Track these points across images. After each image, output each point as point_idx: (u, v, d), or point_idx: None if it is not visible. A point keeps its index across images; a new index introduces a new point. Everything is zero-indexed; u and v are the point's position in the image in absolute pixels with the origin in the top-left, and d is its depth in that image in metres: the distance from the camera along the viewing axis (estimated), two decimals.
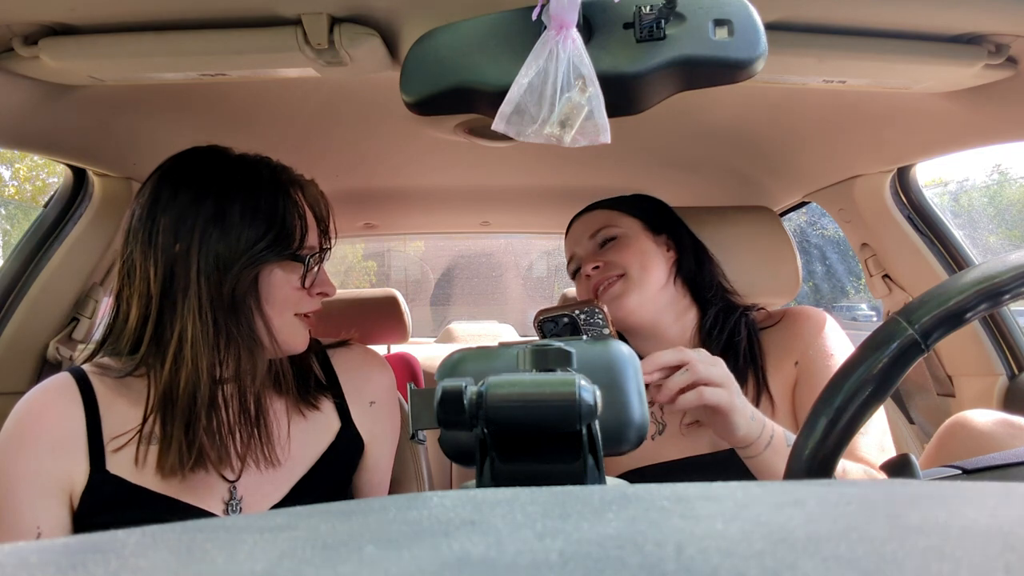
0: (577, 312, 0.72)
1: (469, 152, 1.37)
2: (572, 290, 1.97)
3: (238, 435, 0.78)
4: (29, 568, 0.16)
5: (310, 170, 0.87)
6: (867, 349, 0.47)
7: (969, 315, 0.45)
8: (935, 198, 1.36)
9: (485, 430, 0.32)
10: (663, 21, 0.55)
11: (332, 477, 0.87)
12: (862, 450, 0.87)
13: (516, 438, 0.33)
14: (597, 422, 0.33)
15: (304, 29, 0.75)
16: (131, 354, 0.77)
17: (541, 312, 0.68)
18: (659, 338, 1.02)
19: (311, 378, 0.89)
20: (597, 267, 1.01)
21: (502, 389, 0.31)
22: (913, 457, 0.50)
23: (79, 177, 1.23)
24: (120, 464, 0.75)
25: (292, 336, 0.81)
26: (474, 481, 0.34)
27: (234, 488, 0.79)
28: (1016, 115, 0.95)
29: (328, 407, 0.89)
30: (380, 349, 1.95)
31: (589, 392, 0.31)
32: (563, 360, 0.35)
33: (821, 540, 0.17)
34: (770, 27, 0.59)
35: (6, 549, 0.18)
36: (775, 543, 0.17)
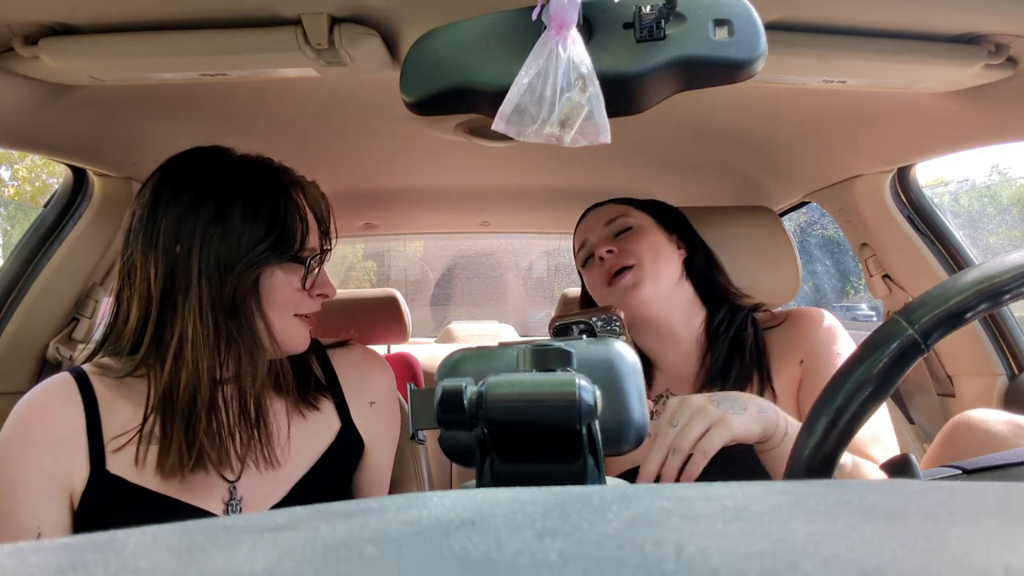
0: (594, 319, 0.72)
1: (469, 152, 1.37)
2: (572, 290, 1.97)
3: (238, 436, 0.78)
4: (29, 568, 0.16)
5: (310, 170, 0.87)
6: (867, 349, 0.47)
7: (969, 315, 0.45)
8: (935, 198, 1.36)
9: (485, 430, 0.32)
10: (663, 21, 0.55)
11: (332, 477, 0.87)
12: (866, 447, 0.87)
13: (516, 438, 0.33)
14: (597, 422, 0.33)
15: (304, 29, 0.75)
16: (131, 354, 0.77)
17: (556, 318, 0.68)
18: (671, 337, 1.03)
19: (311, 378, 0.89)
20: (611, 251, 1.01)
21: (502, 389, 0.31)
22: (913, 457, 0.50)
23: (79, 177, 1.23)
24: (120, 464, 0.75)
25: (292, 337, 0.81)
26: (474, 481, 0.34)
27: (234, 488, 0.79)
28: (1016, 115, 0.95)
29: (328, 407, 0.89)
30: (380, 349, 1.95)
31: (589, 392, 0.31)
32: (563, 360, 0.35)
33: (821, 540, 0.17)
34: (770, 27, 0.59)
35: (6, 549, 0.18)
36: (775, 543, 0.17)
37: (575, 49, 0.54)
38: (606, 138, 0.55)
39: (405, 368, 1.99)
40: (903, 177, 1.34)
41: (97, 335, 0.85)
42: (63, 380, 0.78)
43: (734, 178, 1.58)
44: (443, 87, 0.60)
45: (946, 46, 0.82)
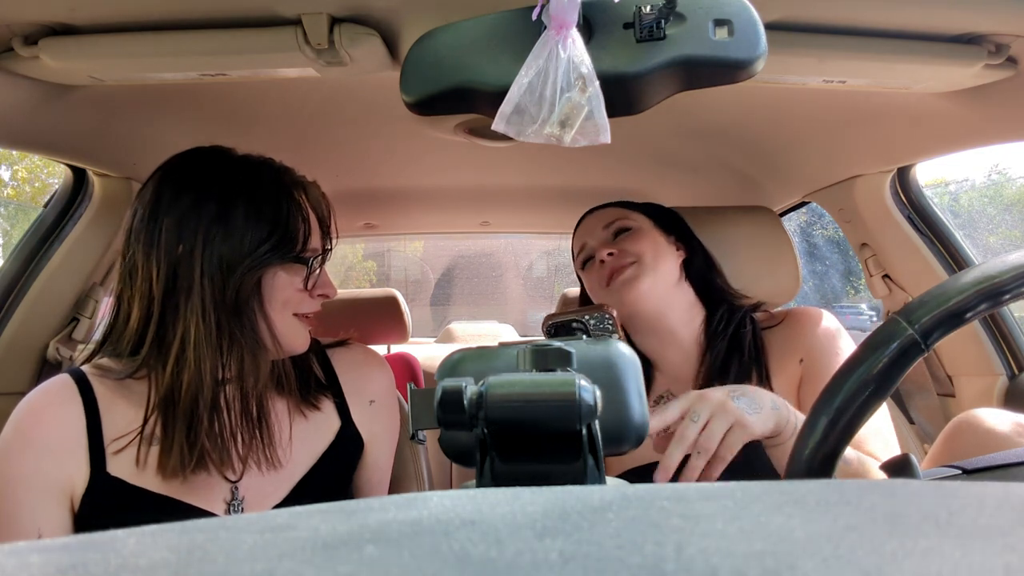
0: (587, 317, 0.72)
1: (469, 152, 1.37)
2: (572, 290, 1.97)
3: (240, 437, 0.78)
4: (29, 568, 0.16)
5: (310, 170, 0.87)
6: (867, 349, 0.47)
7: (969, 315, 0.45)
8: (935, 198, 1.36)
9: (485, 430, 0.32)
10: (663, 21, 0.55)
11: (333, 477, 0.87)
12: (865, 441, 0.87)
13: (516, 438, 0.33)
14: (597, 422, 0.33)
15: (304, 29, 0.75)
16: (132, 355, 0.77)
17: (549, 317, 0.68)
18: (671, 338, 1.03)
19: (311, 378, 0.89)
20: (612, 253, 1.01)
21: (502, 389, 0.31)
22: (913, 457, 0.50)
23: (79, 177, 1.23)
24: (121, 466, 0.75)
25: (294, 337, 0.81)
26: (474, 481, 0.34)
27: (235, 489, 0.79)
28: (1016, 115, 0.95)
29: (328, 407, 0.89)
30: (380, 349, 1.95)
31: (589, 392, 0.31)
32: (563, 360, 0.35)
33: (821, 540, 0.17)
34: (770, 27, 0.59)
35: (6, 549, 0.18)
36: (775, 543, 0.17)
37: (575, 49, 0.54)
38: (606, 138, 0.55)
39: (405, 368, 1.99)
40: (903, 177, 1.34)
41: (97, 335, 0.84)
42: (62, 382, 0.78)
43: (734, 178, 1.58)
44: (443, 87, 0.60)
45: (946, 46, 0.82)
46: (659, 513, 0.19)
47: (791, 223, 1.82)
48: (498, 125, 0.56)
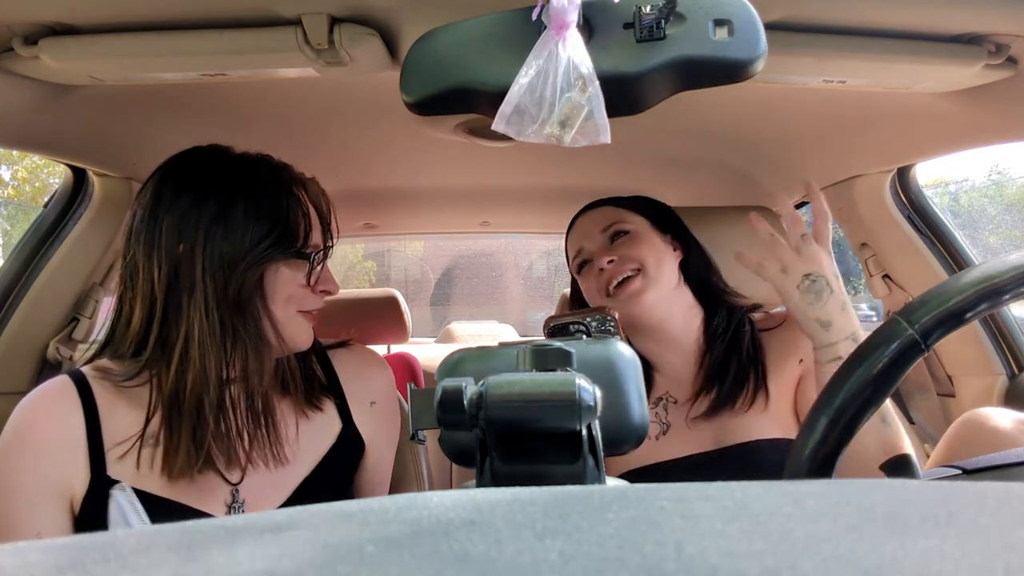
0: (588, 319, 0.72)
1: (469, 152, 1.37)
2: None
3: (246, 435, 0.77)
4: (29, 568, 0.16)
5: (310, 170, 0.87)
6: (867, 349, 0.47)
7: (969, 315, 0.45)
8: (935, 198, 1.36)
9: (485, 430, 0.32)
10: (663, 21, 0.55)
11: (334, 478, 0.87)
12: None
13: (516, 438, 0.33)
14: (597, 422, 0.33)
15: (304, 29, 0.75)
16: (135, 357, 0.77)
17: (551, 319, 0.68)
18: (671, 341, 1.02)
19: (314, 379, 0.89)
20: (612, 260, 1.00)
21: (502, 389, 0.31)
22: (913, 457, 0.50)
23: (79, 177, 1.23)
24: (121, 468, 0.75)
25: (297, 333, 0.81)
26: (474, 481, 0.34)
27: (236, 491, 0.79)
28: (1016, 115, 0.95)
29: (329, 408, 0.89)
30: (380, 349, 1.95)
31: (589, 392, 0.31)
32: (563, 360, 0.35)
33: (821, 540, 0.17)
34: (770, 27, 0.59)
35: (6, 549, 0.18)
36: (775, 543, 0.17)
37: (575, 49, 0.54)
38: (606, 138, 0.55)
39: (405, 368, 1.99)
40: (903, 177, 1.34)
41: (98, 336, 0.84)
42: (62, 384, 0.77)
43: (734, 178, 1.58)
44: (443, 87, 0.60)
45: (946, 46, 0.82)
46: (659, 513, 0.19)
47: None
48: (498, 125, 0.56)
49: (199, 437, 0.73)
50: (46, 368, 1.26)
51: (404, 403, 1.01)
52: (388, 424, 0.95)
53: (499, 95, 0.56)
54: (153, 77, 0.84)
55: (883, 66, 0.83)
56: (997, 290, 0.45)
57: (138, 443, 0.75)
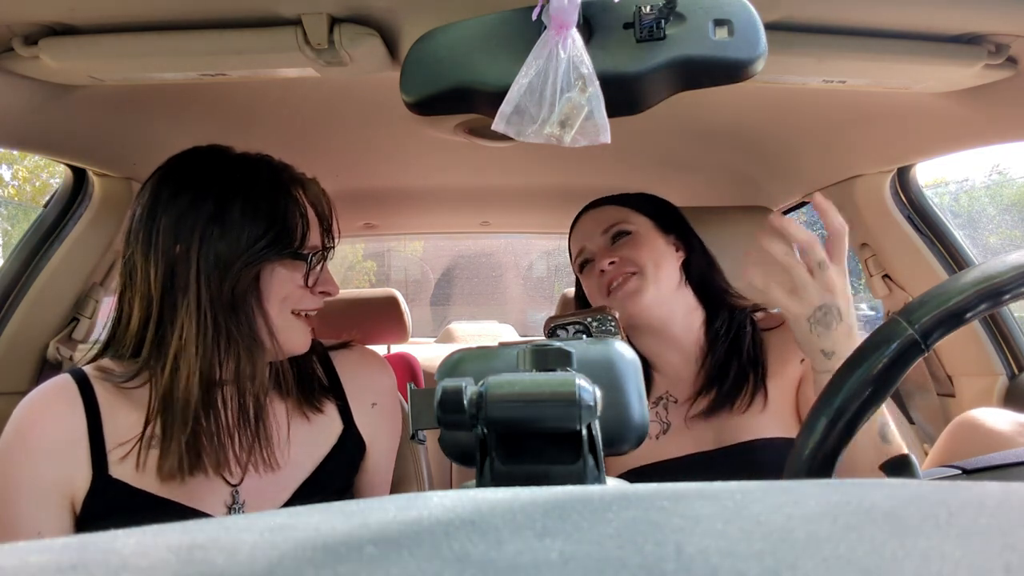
0: (589, 320, 0.72)
1: (469, 152, 1.37)
2: (572, 290, 1.97)
3: (237, 438, 0.77)
4: (29, 568, 0.16)
5: (310, 170, 0.87)
6: (867, 349, 0.47)
7: (969, 315, 0.45)
8: (935, 198, 1.36)
9: (485, 430, 0.32)
10: (663, 21, 0.55)
11: (334, 480, 0.87)
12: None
13: (516, 438, 0.33)
14: (597, 422, 0.33)
15: (304, 29, 0.75)
16: (133, 357, 0.77)
17: (551, 320, 0.68)
18: (672, 341, 1.02)
19: (314, 380, 0.89)
20: (613, 262, 1.00)
21: (502, 389, 0.31)
22: (913, 457, 0.50)
23: (79, 177, 1.23)
24: (123, 468, 0.75)
25: (294, 336, 0.81)
26: (474, 481, 0.34)
27: (236, 492, 0.79)
28: (1016, 115, 0.95)
29: (331, 409, 0.89)
30: (380, 349, 1.95)
31: (589, 392, 0.31)
32: (563, 360, 0.35)
33: (821, 540, 0.17)
34: (770, 27, 0.59)
35: (6, 549, 0.18)
36: (775, 543, 0.17)
37: (575, 49, 0.54)
38: (606, 138, 0.55)
39: (405, 368, 1.99)
40: (903, 177, 1.34)
41: (99, 336, 0.84)
42: (63, 383, 0.77)
43: (734, 178, 1.58)
44: (443, 87, 0.60)
45: (946, 46, 0.82)
46: (659, 513, 0.19)
47: None
48: (498, 125, 0.56)
49: (191, 438, 0.73)
50: (46, 368, 1.26)
51: (404, 403, 1.01)
52: (389, 425, 0.95)
53: (499, 95, 0.56)
54: (153, 77, 0.84)
55: (883, 66, 0.83)
56: (997, 290, 0.45)
57: (139, 444, 0.75)
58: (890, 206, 1.35)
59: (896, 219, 1.35)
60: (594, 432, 0.33)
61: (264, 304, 0.77)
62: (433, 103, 0.61)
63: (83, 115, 0.99)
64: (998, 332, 1.33)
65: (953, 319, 0.45)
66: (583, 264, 1.08)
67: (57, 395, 0.76)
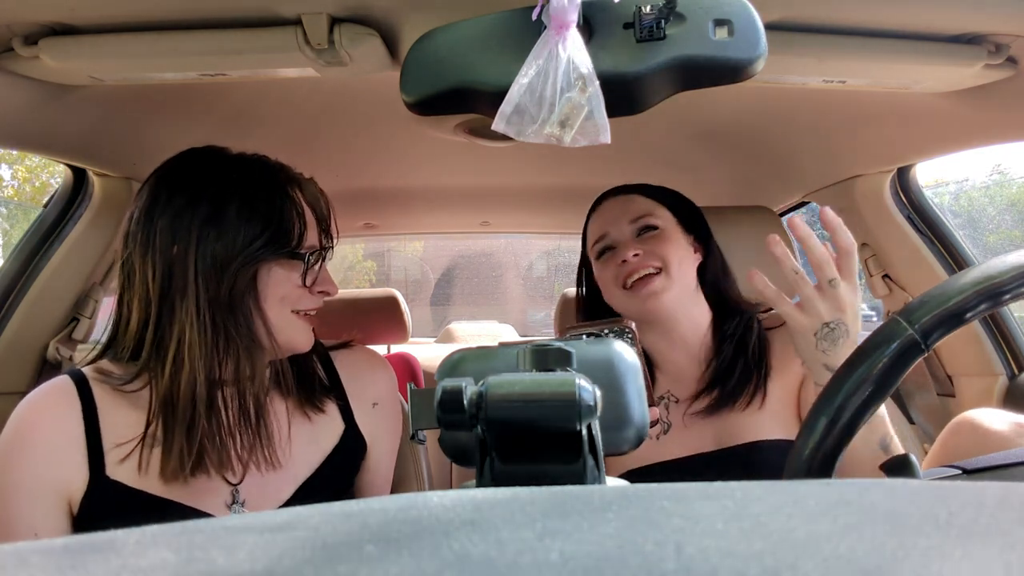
0: (606, 331, 0.72)
1: (469, 152, 1.37)
2: (572, 290, 1.96)
3: (238, 437, 0.77)
4: (29, 568, 0.16)
5: (310, 170, 0.87)
6: (867, 349, 0.47)
7: (969, 315, 0.45)
8: (935, 198, 1.36)
9: (485, 430, 0.32)
10: (663, 21, 0.55)
11: (335, 480, 0.87)
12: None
13: (516, 438, 0.33)
14: (597, 422, 0.33)
15: (304, 29, 0.75)
16: (132, 360, 0.77)
17: (568, 328, 0.68)
18: (680, 341, 1.01)
19: (316, 380, 0.89)
20: (637, 255, 0.98)
21: (502, 389, 0.31)
22: (913, 457, 0.50)
23: (79, 177, 1.23)
24: (120, 469, 0.75)
25: (294, 335, 0.81)
26: (474, 481, 0.34)
27: (237, 491, 0.79)
28: (1016, 115, 0.95)
29: (332, 409, 0.89)
30: (380, 349, 1.95)
31: (589, 392, 0.31)
32: (563, 360, 0.35)
33: (821, 540, 0.17)
34: (770, 27, 0.59)
35: (6, 549, 0.18)
36: (775, 543, 0.17)
37: (575, 49, 0.54)
38: (606, 138, 0.56)
39: (405, 368, 1.99)
40: (903, 177, 1.34)
41: (99, 336, 0.84)
42: (62, 384, 0.78)
43: (734, 178, 1.58)
44: (443, 87, 0.60)
45: (946, 46, 0.82)
46: (659, 513, 0.19)
47: None
48: (498, 125, 0.56)
49: (192, 439, 0.73)
50: (46, 368, 1.26)
51: (405, 403, 1.01)
52: (390, 425, 0.95)
53: (499, 95, 0.56)
54: (153, 77, 0.84)
55: (883, 66, 0.83)
56: (997, 290, 0.45)
57: (139, 445, 0.75)
58: (890, 206, 1.35)
59: (896, 219, 1.35)
60: (594, 432, 0.33)
61: (262, 304, 0.77)
62: (433, 103, 0.61)
63: (83, 115, 0.99)
64: (998, 332, 1.33)
65: (953, 319, 0.45)
66: (603, 251, 1.04)
67: (55, 396, 0.76)
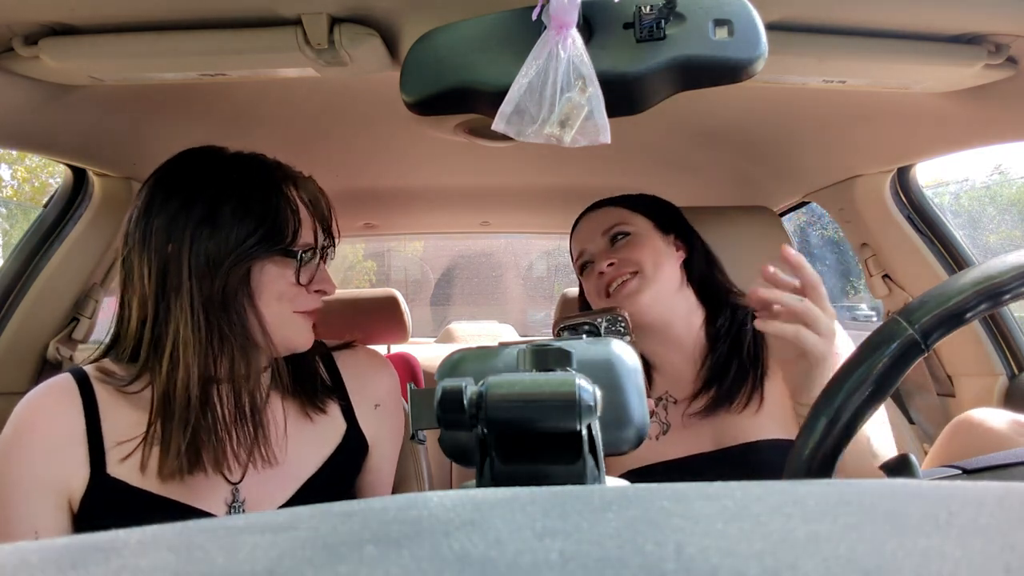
0: (599, 320, 0.72)
1: (469, 152, 1.37)
2: (572, 290, 1.97)
3: (234, 434, 0.77)
4: (29, 568, 0.16)
5: (310, 170, 0.87)
6: (867, 349, 0.47)
7: (969, 315, 0.45)
8: (935, 198, 1.36)
9: (485, 430, 0.32)
10: (663, 21, 0.55)
11: (337, 480, 0.87)
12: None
13: (516, 438, 0.33)
14: (597, 422, 0.33)
15: (304, 29, 0.75)
16: (132, 360, 0.77)
17: (561, 319, 0.68)
18: (673, 341, 1.02)
19: (318, 380, 0.89)
20: (611, 264, 1.00)
21: (502, 389, 0.31)
22: (913, 457, 0.50)
23: (79, 177, 1.23)
24: (121, 467, 0.75)
25: (291, 334, 0.81)
26: (474, 481, 0.34)
27: (237, 491, 0.79)
28: (1016, 115, 0.95)
29: (334, 409, 0.89)
30: (380, 349, 1.95)
31: (589, 392, 0.31)
32: (563, 360, 0.35)
33: (821, 540, 0.17)
34: (770, 27, 0.59)
35: (6, 549, 0.18)
36: (775, 543, 0.17)
37: (575, 49, 0.54)
38: (606, 138, 0.56)
39: (405, 368, 1.99)
40: (903, 177, 1.34)
41: (99, 336, 0.84)
42: (63, 382, 0.78)
43: (734, 178, 1.58)
44: (443, 87, 0.60)
45: (946, 46, 0.82)
46: (659, 513, 0.19)
47: (790, 223, 1.81)
48: (498, 125, 0.56)
49: (189, 438, 0.73)
50: (46, 368, 1.26)
51: (405, 403, 1.01)
52: (392, 426, 0.95)
53: (499, 95, 0.56)
54: (153, 77, 0.84)
55: (883, 66, 0.83)
56: (997, 290, 0.45)
57: (141, 444, 0.75)
58: (890, 206, 1.35)
59: (896, 219, 1.35)
60: (594, 432, 0.33)
61: (256, 302, 0.77)
62: (433, 103, 0.61)
63: (83, 115, 0.99)
64: (998, 332, 1.33)
65: (953, 319, 0.45)
66: (583, 266, 1.08)
67: (56, 393, 0.76)
